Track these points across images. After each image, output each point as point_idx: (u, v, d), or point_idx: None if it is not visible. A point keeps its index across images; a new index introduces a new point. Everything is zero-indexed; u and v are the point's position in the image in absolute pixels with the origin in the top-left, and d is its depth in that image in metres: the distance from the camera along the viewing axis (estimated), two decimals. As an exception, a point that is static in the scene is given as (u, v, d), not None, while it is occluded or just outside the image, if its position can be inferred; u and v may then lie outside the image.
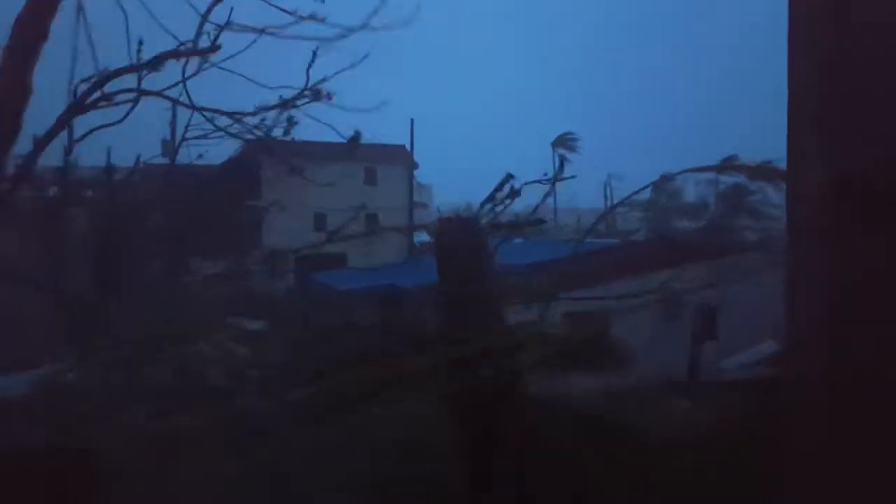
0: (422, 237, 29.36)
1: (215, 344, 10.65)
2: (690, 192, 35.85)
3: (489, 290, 10.04)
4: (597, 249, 15.87)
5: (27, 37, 6.58)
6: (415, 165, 33.16)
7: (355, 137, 9.44)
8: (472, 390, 9.11)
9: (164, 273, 15.02)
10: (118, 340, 11.16)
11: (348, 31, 7.92)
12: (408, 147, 30.70)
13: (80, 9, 6.98)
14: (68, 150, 11.26)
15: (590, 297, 11.34)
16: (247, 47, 7.91)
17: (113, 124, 8.89)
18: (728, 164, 9.84)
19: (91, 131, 8.91)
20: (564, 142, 46.92)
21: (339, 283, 19.35)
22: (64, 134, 8.76)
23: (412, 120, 31.51)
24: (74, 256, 14.82)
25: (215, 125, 11.20)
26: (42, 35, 6.60)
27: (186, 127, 16.63)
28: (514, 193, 10.53)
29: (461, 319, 9.76)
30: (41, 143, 7.53)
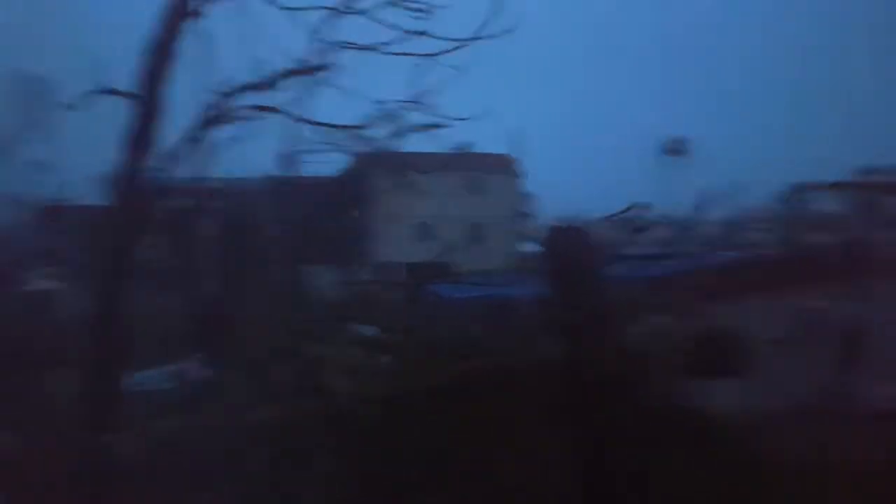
0: (530, 247, 29.38)
1: (334, 348, 11.21)
2: (823, 202, 33.47)
3: (603, 302, 9.91)
4: (723, 263, 15.19)
5: (157, 58, 7.24)
6: (521, 175, 33.18)
7: (463, 147, 9.62)
8: (584, 400, 9.07)
9: (284, 280, 15.89)
10: (244, 341, 12.00)
11: (455, 44, 8.09)
12: (514, 156, 30.80)
13: (205, 31, 7.60)
14: (198, 164, 12.25)
15: (719, 311, 10.93)
16: (355, 63, 8.29)
17: (237, 140, 9.50)
18: (870, 179, 9.22)
19: (218, 146, 9.56)
20: (676, 147, 45.31)
21: (448, 293, 19.66)
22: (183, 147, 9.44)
23: (518, 129, 31.62)
24: (204, 262, 16.04)
25: (329, 140, 11.74)
26: (170, 56, 7.26)
27: (302, 141, 17.67)
28: (640, 228, 10.29)
29: (572, 330, 9.71)
30: (173, 157, 8.21)
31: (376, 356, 11.13)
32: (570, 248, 10.47)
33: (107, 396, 7.20)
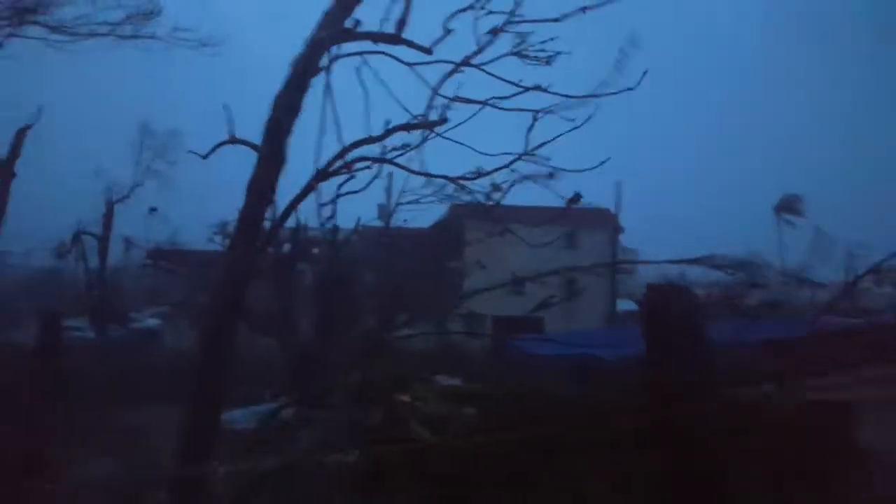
0: (626, 305, 28.60)
1: (418, 396, 11.35)
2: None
3: (708, 367, 9.46)
4: (837, 329, 14.15)
5: (284, 112, 7.77)
6: (620, 229, 32.56)
7: (574, 199, 9.61)
8: (679, 469, 8.65)
9: (375, 327, 16.28)
10: (334, 386, 12.34)
11: (570, 100, 8.14)
12: (612, 210, 30.35)
13: (327, 86, 8.04)
14: (308, 213, 12.97)
15: (830, 383, 10.12)
16: (468, 118, 8.47)
17: (357, 192, 9.94)
18: None
19: (338, 196, 10.01)
20: (789, 205, 43.16)
21: (536, 349, 19.43)
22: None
23: (618, 182, 31.25)
24: (300, 307, 16.74)
25: (432, 190, 11.97)
26: (297, 110, 7.79)
27: (401, 192, 18.34)
28: (749, 287, 9.76)
29: (672, 396, 9.31)
30: (291, 206, 8.70)
31: (460, 407, 11.14)
32: (671, 308, 10.14)
33: (203, 431, 7.58)
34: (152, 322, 27.16)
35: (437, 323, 23.51)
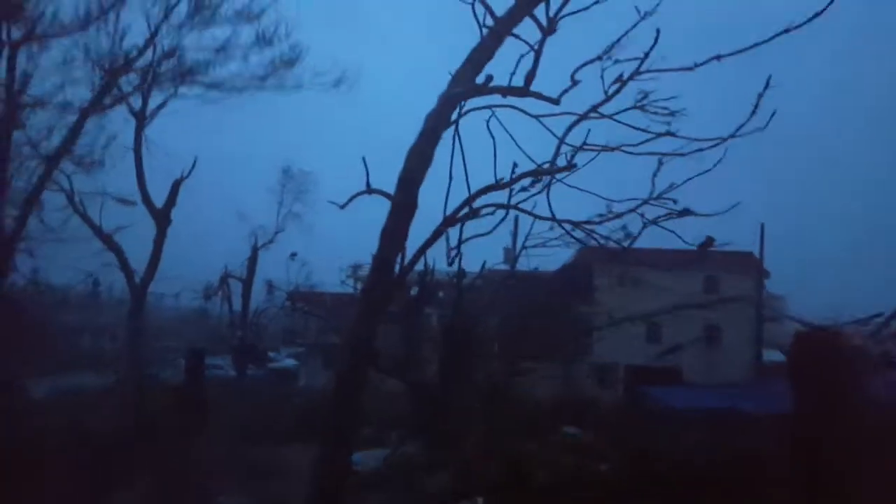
0: (773, 355, 26.69)
1: (545, 446, 11.17)
2: None
3: (863, 420, 8.64)
4: None
5: (416, 163, 8.17)
6: (765, 274, 30.68)
7: (706, 243, 9.29)
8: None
9: (500, 372, 16.33)
10: (457, 431, 12.46)
11: (702, 144, 8.03)
12: (756, 254, 28.72)
13: (455, 135, 8.39)
14: (439, 259, 13.48)
15: None
16: (589, 161, 8.54)
17: (482, 235, 10.26)
18: None
19: (465, 240, 10.34)
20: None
21: (673, 400, 18.52)
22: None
23: (762, 224, 29.54)
24: (426, 350, 17.16)
25: (560, 235, 12.03)
26: (429, 161, 8.18)
27: (527, 236, 18.45)
28: None
29: (826, 452, 8.57)
30: (421, 251, 9.07)
31: (584, 459, 10.85)
32: (822, 357, 9.45)
33: (334, 471, 7.89)
34: (289, 362, 28.71)
35: (564, 369, 23.17)
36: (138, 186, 21.16)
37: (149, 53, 19.17)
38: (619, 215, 8.84)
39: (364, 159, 8.49)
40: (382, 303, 8.43)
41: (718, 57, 7.22)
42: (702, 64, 7.39)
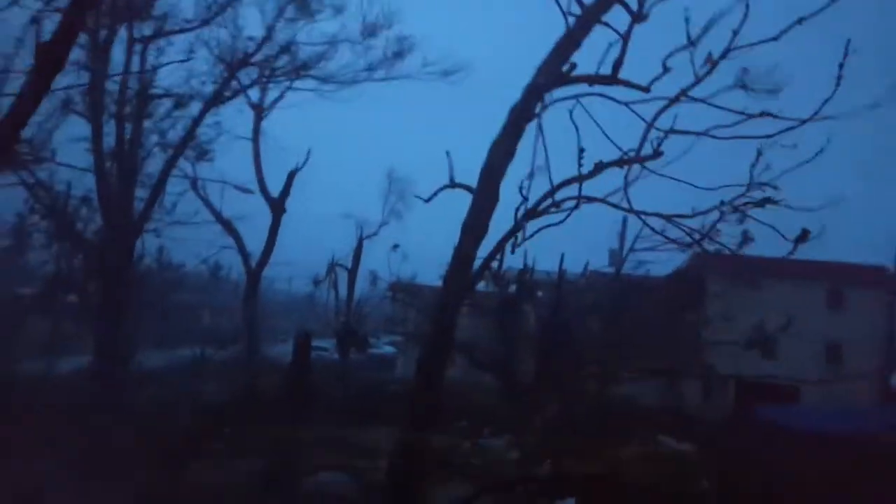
0: (902, 379, 24.64)
1: (639, 454, 10.94)
2: None
3: None
4: None
5: (499, 156, 8.26)
6: (900, 291, 28.37)
7: (802, 237, 8.73)
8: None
9: (599, 377, 16.08)
10: (551, 432, 12.43)
11: (797, 125, 7.57)
12: (891, 268, 26.55)
13: (539, 127, 8.40)
14: (513, 248, 13.50)
15: None
16: (683, 154, 8.24)
17: (554, 225, 10.14)
18: None
19: (538, 230, 10.28)
20: None
21: (787, 420, 17.46)
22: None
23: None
24: (523, 348, 17.15)
25: (665, 236, 11.64)
26: (511, 154, 8.26)
27: (635, 238, 17.98)
28: None
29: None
30: (500, 244, 9.17)
31: (681, 471, 10.53)
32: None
33: (415, 455, 8.18)
34: (388, 350, 29.66)
35: (668, 380, 22.39)
36: (256, 176, 22.50)
37: (266, 47, 20.37)
38: (711, 210, 8.49)
39: (448, 153, 8.69)
40: (462, 295, 8.62)
41: (800, 20, 6.85)
42: (786, 30, 7.04)
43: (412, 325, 22.50)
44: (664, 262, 19.48)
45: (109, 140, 18.13)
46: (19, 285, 22.35)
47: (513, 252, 9.44)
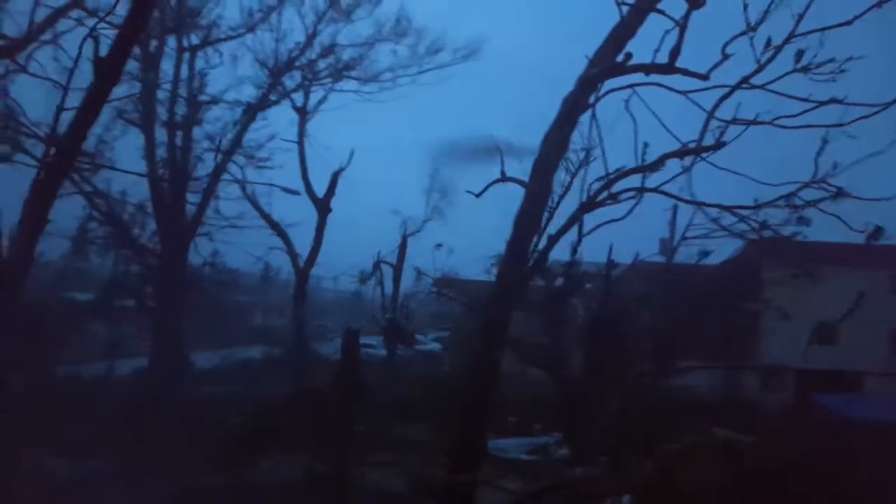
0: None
1: (695, 448, 10.74)
2: None
3: None
4: None
5: (552, 148, 8.18)
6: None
7: (875, 234, 8.42)
8: None
9: (651, 369, 15.86)
10: (602, 426, 12.33)
11: (878, 110, 7.22)
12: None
13: (593, 115, 8.29)
14: (575, 246, 13.40)
15: None
16: (737, 136, 8.00)
17: (617, 220, 10.01)
18: None
19: (597, 226, 10.18)
20: None
21: (851, 409, 16.87)
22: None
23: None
24: (572, 341, 17.02)
25: (719, 224, 11.43)
26: (566, 146, 8.18)
27: (687, 226, 17.59)
28: None
29: None
30: (555, 238, 9.11)
31: (739, 464, 10.29)
32: None
33: (469, 451, 8.17)
34: (434, 346, 29.87)
35: (724, 370, 21.89)
36: (301, 177, 22.90)
37: (308, 52, 20.75)
38: (773, 202, 8.27)
39: (499, 147, 8.61)
40: (517, 289, 8.54)
41: (880, 2, 6.55)
42: (861, 15, 6.73)
43: (458, 321, 22.59)
44: (717, 250, 19.03)
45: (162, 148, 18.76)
46: (78, 291, 23.25)
47: (578, 247, 9.37)
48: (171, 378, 17.59)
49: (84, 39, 6.84)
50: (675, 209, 19.40)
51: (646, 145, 8.48)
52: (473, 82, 40.46)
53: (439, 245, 23.10)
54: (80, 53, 7.01)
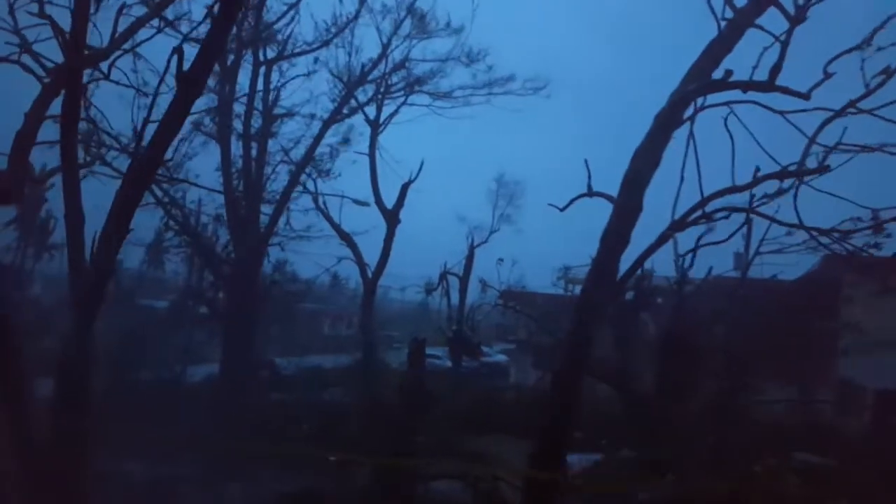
0: None
1: (772, 471, 10.41)
2: None
3: None
4: None
5: (644, 164, 8.07)
6: None
7: None
8: None
9: (726, 388, 15.39)
10: (677, 447, 12.03)
11: None
12: None
13: (690, 135, 8.20)
14: (683, 263, 13.39)
15: None
16: (844, 163, 7.77)
17: (718, 243, 9.86)
18: None
19: (697, 247, 10.02)
20: None
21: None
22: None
23: None
24: (642, 357, 16.72)
25: (802, 242, 11.23)
26: (657, 162, 8.05)
27: (761, 241, 17.10)
28: None
29: None
30: (644, 255, 8.96)
31: (819, 488, 9.92)
32: None
33: (548, 467, 8.13)
34: (500, 358, 29.81)
35: (802, 391, 21.04)
36: (372, 189, 23.34)
37: (381, 66, 21.19)
38: (873, 225, 8.02)
39: (586, 161, 8.58)
40: (602, 306, 8.46)
41: None
42: None
43: (524, 333, 22.50)
44: (792, 265, 18.43)
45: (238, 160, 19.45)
46: (155, 298, 24.26)
47: (684, 265, 9.15)
48: (244, 384, 18.14)
49: (171, 54, 7.14)
50: (749, 223, 18.90)
51: (757, 170, 8.31)
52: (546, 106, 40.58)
53: (500, 260, 23.18)
54: (167, 67, 7.32)
